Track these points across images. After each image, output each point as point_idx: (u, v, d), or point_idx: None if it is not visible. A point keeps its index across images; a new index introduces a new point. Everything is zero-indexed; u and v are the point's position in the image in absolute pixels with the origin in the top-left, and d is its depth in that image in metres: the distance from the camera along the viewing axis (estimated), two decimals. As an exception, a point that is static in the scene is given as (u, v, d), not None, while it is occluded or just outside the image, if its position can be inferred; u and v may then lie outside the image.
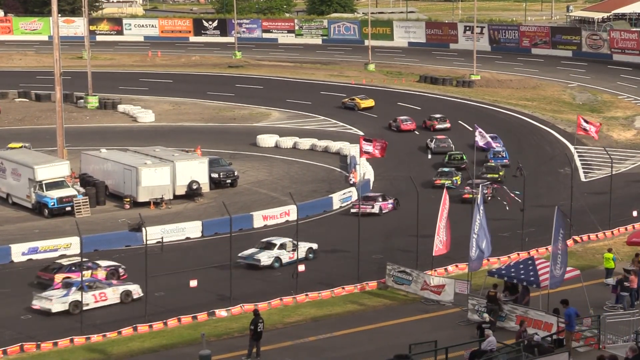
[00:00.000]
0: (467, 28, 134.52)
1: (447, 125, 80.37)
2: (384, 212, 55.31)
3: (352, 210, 54.30)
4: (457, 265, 43.80)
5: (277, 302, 39.83)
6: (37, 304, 38.89)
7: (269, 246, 45.57)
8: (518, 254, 45.34)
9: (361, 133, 78.03)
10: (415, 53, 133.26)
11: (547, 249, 45.73)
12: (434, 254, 41.80)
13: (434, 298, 40.10)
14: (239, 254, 44.45)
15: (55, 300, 38.50)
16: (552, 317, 34.28)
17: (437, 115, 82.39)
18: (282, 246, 45.32)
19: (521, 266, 37.23)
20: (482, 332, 32.60)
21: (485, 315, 35.11)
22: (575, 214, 48.60)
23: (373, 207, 54.97)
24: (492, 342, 31.29)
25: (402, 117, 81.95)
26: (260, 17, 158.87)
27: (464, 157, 66.27)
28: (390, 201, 56.29)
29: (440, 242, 41.53)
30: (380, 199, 56.01)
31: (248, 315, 36.05)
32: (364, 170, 63.24)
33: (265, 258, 44.85)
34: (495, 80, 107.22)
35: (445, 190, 42.19)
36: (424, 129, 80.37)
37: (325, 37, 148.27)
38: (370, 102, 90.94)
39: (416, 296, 40.76)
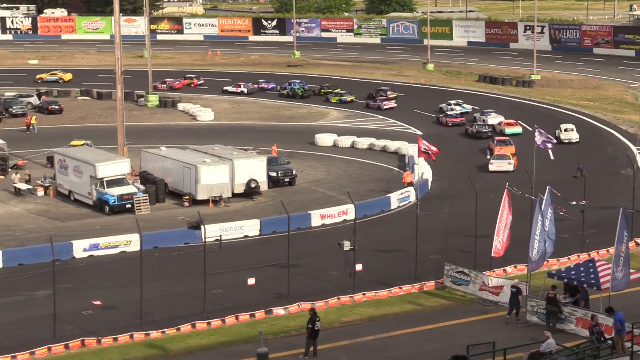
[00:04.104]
0: (528, 27, 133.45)
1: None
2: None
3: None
4: (515, 266, 43.41)
5: (334, 301, 39.84)
6: None
7: None
8: (578, 256, 44.85)
9: (419, 133, 77.81)
10: (474, 52, 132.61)
11: (607, 250, 45.20)
12: (492, 255, 41.49)
13: (492, 299, 39.80)
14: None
15: None
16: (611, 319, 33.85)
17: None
18: None
19: (581, 268, 36.79)
20: None
21: None
22: (637, 216, 47.91)
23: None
24: (552, 344, 30.99)
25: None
26: (319, 17, 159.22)
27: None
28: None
29: (499, 243, 41.22)
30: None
31: (305, 313, 36.10)
32: (422, 170, 62.97)
33: None
34: (556, 80, 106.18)
35: (506, 190, 41.81)
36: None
37: (384, 37, 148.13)
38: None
39: (474, 297, 40.51)
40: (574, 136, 75.32)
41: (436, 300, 40.63)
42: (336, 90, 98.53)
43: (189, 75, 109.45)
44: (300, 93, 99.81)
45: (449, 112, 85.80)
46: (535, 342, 32.20)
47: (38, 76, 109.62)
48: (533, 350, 31.17)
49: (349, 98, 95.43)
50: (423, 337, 36.11)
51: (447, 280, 41.92)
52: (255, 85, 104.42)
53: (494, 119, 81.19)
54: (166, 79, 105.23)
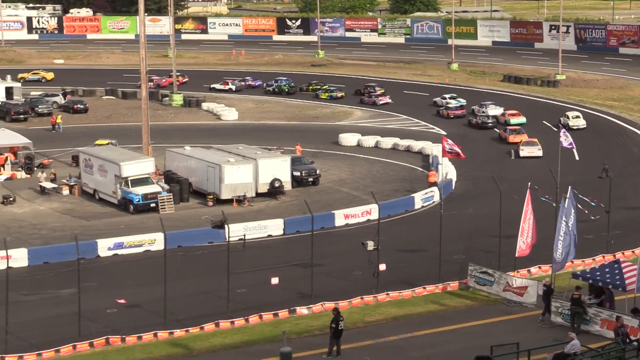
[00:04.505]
0: (553, 27, 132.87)
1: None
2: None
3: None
4: (540, 267, 43.24)
5: (358, 301, 39.83)
6: None
7: None
8: (603, 257, 44.60)
9: (443, 133, 77.64)
10: (499, 52, 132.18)
11: (633, 252, 44.97)
12: (516, 255, 41.35)
13: (516, 300, 39.66)
14: None
15: None
16: (636, 320, 33.65)
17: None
18: None
19: (607, 269, 36.59)
20: None
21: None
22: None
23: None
24: (576, 346, 30.84)
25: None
26: (343, 16, 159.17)
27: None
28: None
29: (523, 243, 41.06)
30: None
31: (329, 313, 36.10)
32: (446, 170, 62.82)
33: None
34: (581, 80, 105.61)
35: (529, 190, 41.66)
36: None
37: (408, 36, 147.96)
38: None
39: (498, 297, 40.37)
40: (581, 122, 79.84)
41: (460, 300, 40.53)
42: (325, 87, 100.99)
43: (176, 74, 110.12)
44: (287, 90, 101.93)
45: (450, 105, 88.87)
46: (559, 343, 32.05)
47: (20, 76, 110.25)
48: (557, 352, 31.02)
49: (339, 94, 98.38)
50: (446, 337, 36.04)
51: (471, 280, 41.81)
52: (243, 83, 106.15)
53: (493, 110, 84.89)
54: (153, 77, 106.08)
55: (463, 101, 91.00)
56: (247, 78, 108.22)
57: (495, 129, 79.57)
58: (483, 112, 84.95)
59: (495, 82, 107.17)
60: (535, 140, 71.40)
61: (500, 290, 40.49)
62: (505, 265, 42.18)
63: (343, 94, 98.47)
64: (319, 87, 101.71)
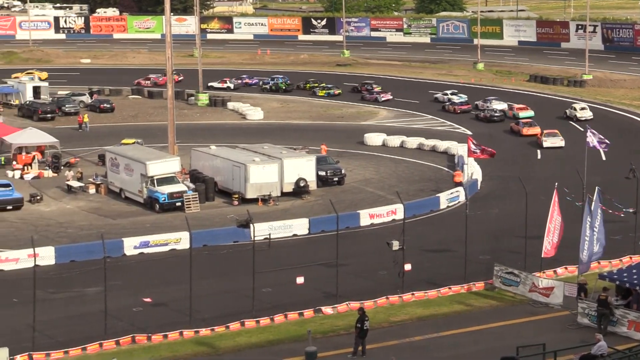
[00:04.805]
0: (580, 27, 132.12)
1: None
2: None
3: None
4: (566, 268, 43.00)
5: (383, 301, 39.79)
6: None
7: None
8: (630, 258, 44.31)
9: (469, 133, 77.43)
10: (525, 52, 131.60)
11: (660, 253, 44.68)
12: (542, 256, 41.17)
13: (542, 300, 39.50)
14: None
15: None
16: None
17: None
18: None
19: (634, 270, 36.38)
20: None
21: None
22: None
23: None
24: (603, 347, 30.67)
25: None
26: (369, 16, 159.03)
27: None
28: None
29: (549, 244, 40.89)
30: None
31: (354, 313, 36.09)
32: (472, 170, 62.63)
33: None
34: (608, 80, 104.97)
35: (555, 191, 41.46)
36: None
37: (433, 36, 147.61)
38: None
39: (524, 298, 40.22)
40: (588, 114, 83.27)
41: (485, 301, 40.41)
42: (322, 85, 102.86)
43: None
44: (284, 87, 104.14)
45: (455, 100, 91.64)
46: (586, 344, 31.88)
47: (14, 75, 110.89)
48: (584, 353, 30.87)
49: (336, 91, 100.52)
50: (472, 337, 35.94)
51: (497, 281, 41.67)
52: (239, 81, 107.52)
53: (497, 105, 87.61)
54: (150, 75, 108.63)
55: (464, 97, 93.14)
56: (243, 76, 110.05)
57: (511, 123, 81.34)
58: (488, 106, 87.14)
59: (521, 82, 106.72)
60: (556, 131, 74.17)
61: (526, 290, 40.34)
62: (531, 265, 42.02)
63: (340, 91, 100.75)
64: (316, 84, 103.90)
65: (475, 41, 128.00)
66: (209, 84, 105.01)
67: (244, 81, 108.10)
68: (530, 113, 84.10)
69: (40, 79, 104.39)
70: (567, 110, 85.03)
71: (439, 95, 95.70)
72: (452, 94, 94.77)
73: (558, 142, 72.46)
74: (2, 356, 33.04)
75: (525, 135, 76.60)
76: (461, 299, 40.60)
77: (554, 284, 39.56)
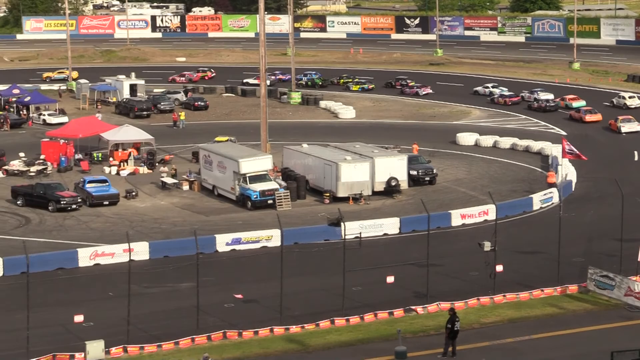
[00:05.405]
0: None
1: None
2: None
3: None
4: (663, 272, 42.09)
5: (474, 302, 39.46)
6: None
7: None
8: None
9: (564, 133, 76.29)
10: (623, 51, 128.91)
11: None
12: (639, 259, 40.30)
13: (638, 305, 38.68)
14: None
15: None
16: None
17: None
18: None
19: None
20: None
21: None
22: None
23: None
24: (701, 354, 29.90)
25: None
26: (463, 15, 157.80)
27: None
28: None
29: (646, 247, 40.06)
30: None
31: (444, 313, 35.89)
32: (566, 171, 61.66)
33: None
34: None
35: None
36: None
37: (528, 35, 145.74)
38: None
39: (619, 302, 39.43)
40: (637, 102, 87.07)
41: (579, 304, 39.74)
42: (355, 80, 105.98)
43: (202, 69, 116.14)
44: (320, 83, 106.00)
45: (505, 93, 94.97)
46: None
47: (45, 75, 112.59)
48: (681, 359, 30.17)
49: (370, 86, 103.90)
50: (564, 341, 35.39)
51: (591, 284, 40.96)
52: (273, 77, 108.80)
53: (544, 95, 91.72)
54: (184, 72, 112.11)
55: (505, 89, 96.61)
56: (276, 72, 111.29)
57: (570, 112, 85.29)
58: (534, 98, 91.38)
59: (618, 82, 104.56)
60: (631, 117, 78.41)
61: (621, 294, 39.55)
62: (627, 269, 41.19)
63: (373, 85, 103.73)
64: (350, 79, 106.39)
65: (572, 40, 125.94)
66: (244, 80, 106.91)
67: (277, 77, 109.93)
68: (582, 103, 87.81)
69: (72, 79, 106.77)
70: (613, 99, 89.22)
71: (479, 88, 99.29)
72: (493, 86, 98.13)
73: (635, 127, 76.07)
74: (98, 348, 33.76)
75: (588, 122, 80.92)
76: (554, 301, 40.00)
77: (651, 289, 38.73)
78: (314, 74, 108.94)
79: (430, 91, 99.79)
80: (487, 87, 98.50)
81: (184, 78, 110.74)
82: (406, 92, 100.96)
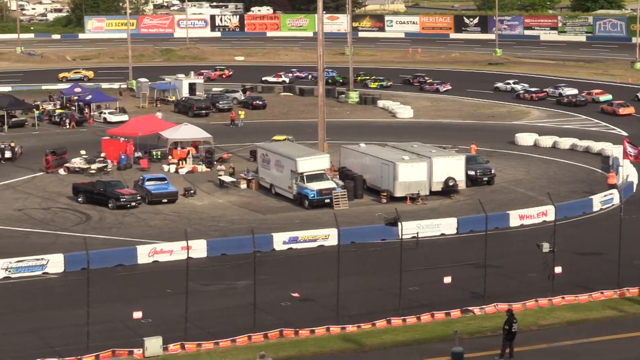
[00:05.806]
0: None
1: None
2: None
3: None
4: None
5: (532, 304, 39.11)
6: None
7: None
8: None
9: (625, 134, 75.32)
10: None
11: None
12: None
13: (700, 309, 38.09)
14: None
15: None
16: None
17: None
18: None
19: None
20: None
21: None
22: None
23: None
24: None
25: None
26: (522, 14, 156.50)
27: None
28: None
29: None
30: None
31: (501, 314, 35.64)
32: (627, 172, 60.85)
33: None
34: None
35: None
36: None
37: (589, 35, 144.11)
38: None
39: (681, 306, 38.87)
40: None
41: (639, 307, 39.18)
42: (373, 77, 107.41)
43: (219, 67, 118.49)
44: (341, 80, 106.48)
45: (530, 89, 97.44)
46: None
47: (61, 75, 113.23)
48: None
49: (388, 83, 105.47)
50: (624, 345, 34.93)
51: (652, 287, 40.42)
52: (291, 75, 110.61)
53: (569, 90, 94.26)
54: (202, 71, 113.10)
55: (526, 86, 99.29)
56: (293, 70, 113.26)
57: (601, 106, 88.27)
58: (560, 93, 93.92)
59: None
60: None
61: (683, 298, 38.98)
62: (688, 272, 40.56)
63: (391, 82, 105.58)
64: (367, 77, 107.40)
65: (634, 40, 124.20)
66: (263, 78, 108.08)
67: (294, 75, 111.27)
68: (609, 96, 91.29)
69: (88, 78, 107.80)
70: (637, 94, 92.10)
71: (500, 84, 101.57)
72: (514, 83, 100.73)
73: None
74: (156, 345, 34.11)
75: (622, 115, 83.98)
76: (614, 304, 39.49)
77: None
78: (331, 72, 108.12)
79: (450, 87, 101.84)
80: (509, 83, 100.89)
81: (201, 77, 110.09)
82: (426, 89, 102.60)
